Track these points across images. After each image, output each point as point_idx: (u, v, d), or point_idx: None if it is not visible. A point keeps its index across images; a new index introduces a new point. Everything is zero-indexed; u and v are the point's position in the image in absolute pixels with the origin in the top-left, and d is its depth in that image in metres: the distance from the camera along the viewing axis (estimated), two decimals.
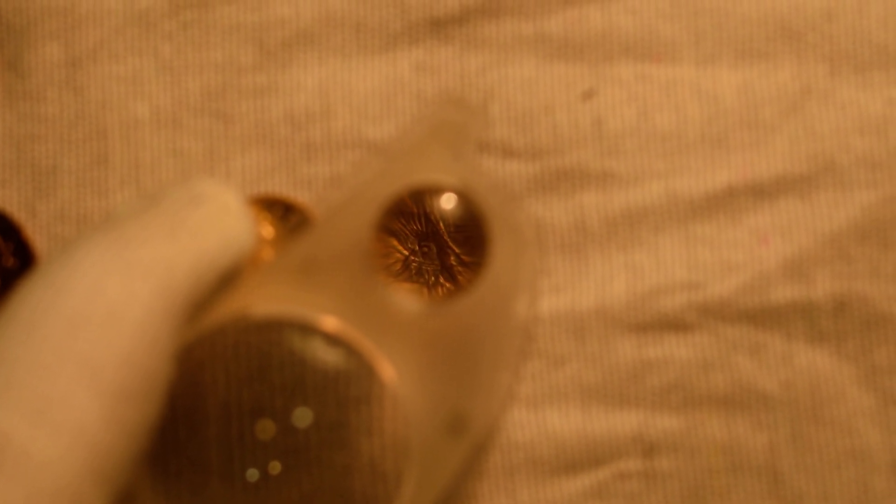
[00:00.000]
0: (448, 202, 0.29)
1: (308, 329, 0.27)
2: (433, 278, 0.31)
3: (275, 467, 0.28)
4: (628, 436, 0.31)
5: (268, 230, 0.31)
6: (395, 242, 0.31)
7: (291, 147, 0.32)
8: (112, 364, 0.23)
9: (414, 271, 0.31)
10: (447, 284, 0.31)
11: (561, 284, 0.31)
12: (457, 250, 0.31)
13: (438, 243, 0.31)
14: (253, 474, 0.27)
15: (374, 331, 0.27)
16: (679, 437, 0.31)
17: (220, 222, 0.26)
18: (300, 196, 0.32)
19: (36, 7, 0.32)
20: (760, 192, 0.31)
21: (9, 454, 0.22)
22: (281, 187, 0.32)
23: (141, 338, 0.23)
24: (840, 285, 0.31)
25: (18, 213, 0.32)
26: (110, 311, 0.23)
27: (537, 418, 0.31)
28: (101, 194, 0.32)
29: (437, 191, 0.29)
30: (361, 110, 0.32)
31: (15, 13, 0.32)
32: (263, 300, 0.27)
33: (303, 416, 0.27)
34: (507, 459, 0.31)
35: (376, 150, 0.32)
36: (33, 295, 0.23)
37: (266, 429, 0.27)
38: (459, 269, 0.31)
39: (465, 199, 0.29)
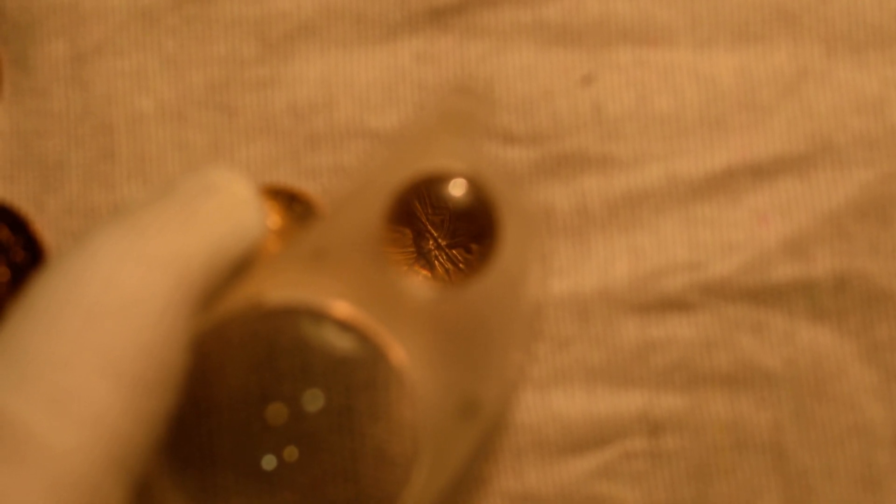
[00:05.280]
0: (457, 188, 0.30)
1: (320, 315, 0.27)
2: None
3: (291, 454, 0.28)
4: (633, 415, 0.31)
5: (273, 220, 0.31)
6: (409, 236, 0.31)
7: (295, 138, 0.32)
8: (130, 355, 0.23)
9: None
10: (424, 272, 0.31)
11: (564, 267, 0.32)
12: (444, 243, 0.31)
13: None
14: (270, 461, 0.28)
15: (386, 316, 0.27)
16: (684, 415, 0.31)
17: (232, 211, 0.26)
18: (305, 186, 0.32)
19: (41, 4, 0.32)
20: (759, 173, 0.32)
21: (30, 445, 0.22)
22: (285, 177, 0.32)
23: (157, 328, 0.23)
24: (840, 263, 0.31)
25: (27, 208, 0.32)
26: (127, 303, 0.23)
27: (543, 400, 0.31)
28: (108, 188, 0.32)
29: (447, 177, 0.29)
30: (363, 100, 0.32)
31: (20, 11, 0.32)
32: (276, 287, 0.27)
33: (314, 399, 0.28)
34: (514, 441, 0.31)
35: (386, 139, 0.32)
36: (50, 286, 0.23)
37: (278, 413, 0.28)
38: (440, 256, 0.31)
39: (473, 185, 0.29)
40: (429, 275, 0.31)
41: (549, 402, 0.31)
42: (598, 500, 0.31)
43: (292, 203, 0.32)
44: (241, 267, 0.26)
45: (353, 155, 0.32)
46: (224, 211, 0.26)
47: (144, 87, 0.32)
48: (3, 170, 0.32)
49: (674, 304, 0.31)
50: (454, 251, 0.31)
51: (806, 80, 0.32)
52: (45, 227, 0.32)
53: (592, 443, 0.31)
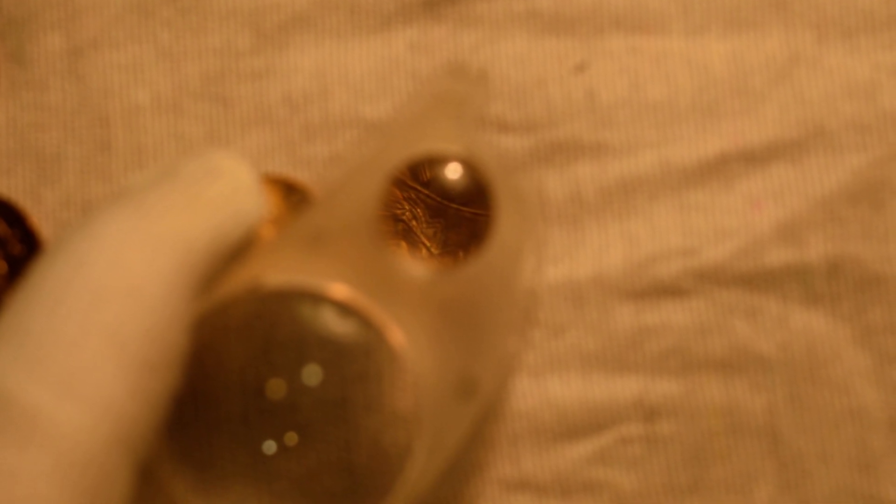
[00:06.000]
0: (453, 172, 0.30)
1: (318, 297, 0.28)
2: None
3: (291, 438, 0.28)
4: (629, 401, 0.31)
5: (270, 210, 0.31)
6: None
7: (290, 128, 0.32)
8: (136, 337, 0.23)
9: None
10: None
11: (558, 255, 0.32)
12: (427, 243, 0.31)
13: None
14: (270, 446, 0.28)
15: (383, 297, 0.27)
16: (679, 401, 0.31)
17: (234, 196, 0.26)
18: (300, 175, 0.32)
19: None
20: (752, 159, 0.32)
21: (39, 427, 0.22)
22: (281, 167, 0.32)
23: (162, 311, 0.24)
24: (833, 247, 0.32)
25: (24, 201, 0.32)
26: (133, 284, 0.23)
27: (539, 386, 0.31)
28: (105, 180, 0.32)
29: (442, 160, 0.29)
30: (358, 90, 0.32)
31: (16, 5, 0.32)
32: (274, 271, 0.27)
33: (312, 374, 0.28)
34: (510, 428, 0.31)
35: (381, 123, 0.32)
36: (55, 267, 0.24)
37: (277, 388, 0.28)
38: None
39: (468, 167, 0.29)
40: (425, 255, 0.31)
41: (545, 388, 0.31)
42: (595, 486, 0.31)
43: (289, 193, 0.32)
44: (238, 251, 0.26)
45: (348, 145, 0.32)
46: (227, 196, 0.26)
47: (140, 80, 0.32)
48: (0, 163, 0.32)
49: (668, 290, 0.32)
50: (442, 235, 0.31)
51: (798, 66, 0.32)
52: (43, 220, 0.32)
53: (588, 429, 0.31)
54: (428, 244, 0.31)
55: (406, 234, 0.31)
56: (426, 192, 0.31)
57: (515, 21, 0.32)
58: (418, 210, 0.31)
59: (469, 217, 0.31)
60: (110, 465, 0.23)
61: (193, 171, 0.26)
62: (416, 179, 0.31)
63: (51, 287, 0.23)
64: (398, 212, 0.31)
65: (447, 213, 0.31)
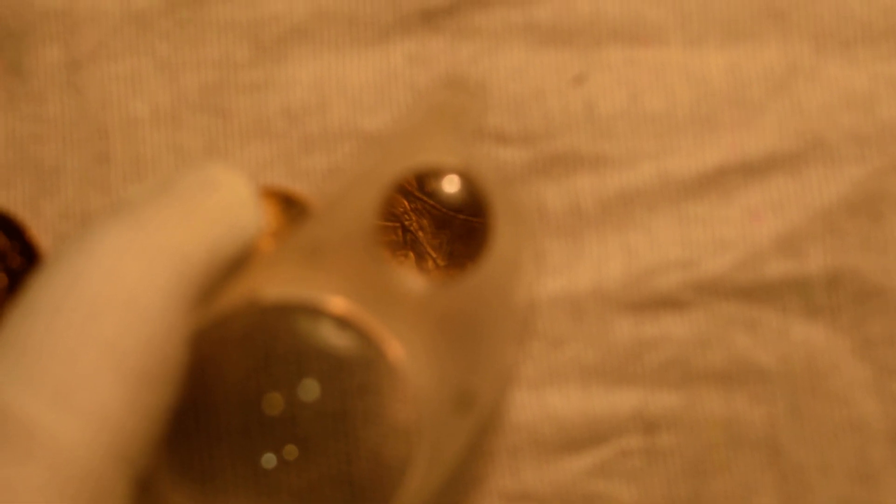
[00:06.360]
0: (450, 184, 0.30)
1: (317, 312, 0.28)
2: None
3: (291, 452, 0.28)
4: (629, 414, 0.31)
5: (269, 222, 0.31)
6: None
7: (289, 140, 0.32)
8: (133, 349, 0.23)
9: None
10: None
11: (557, 267, 0.32)
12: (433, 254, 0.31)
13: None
14: (269, 460, 0.28)
15: (382, 310, 0.27)
16: (679, 413, 0.31)
17: (231, 208, 0.26)
18: (299, 188, 0.32)
19: (35, 11, 0.32)
20: (751, 170, 0.32)
21: (37, 440, 0.22)
22: (280, 180, 0.32)
23: (160, 323, 0.23)
24: (832, 259, 0.32)
25: (23, 213, 0.32)
26: (130, 297, 0.23)
27: (539, 399, 0.31)
28: (103, 192, 0.32)
29: (440, 173, 0.29)
30: (356, 102, 0.32)
31: (14, 17, 0.32)
32: (272, 284, 0.27)
33: (309, 389, 0.28)
34: (510, 440, 0.31)
35: (379, 135, 0.32)
36: (52, 280, 0.24)
37: (274, 403, 0.28)
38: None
39: (466, 180, 0.29)
40: (423, 268, 0.31)
41: (545, 401, 0.31)
42: (595, 499, 0.31)
43: (288, 205, 0.32)
44: (236, 264, 0.26)
45: (347, 157, 0.32)
46: (223, 208, 0.26)
47: (139, 91, 0.32)
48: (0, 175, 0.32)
49: (667, 303, 0.32)
50: (448, 246, 0.31)
51: (796, 77, 0.32)
52: (42, 232, 0.32)
53: (588, 441, 0.31)
54: (434, 255, 0.31)
55: (413, 245, 0.31)
56: (431, 202, 0.31)
57: (513, 33, 0.32)
58: (424, 221, 0.31)
59: (476, 227, 0.31)
60: (108, 478, 0.23)
61: (191, 184, 0.26)
62: (423, 190, 0.31)
63: (48, 299, 0.23)
64: (406, 222, 0.31)
65: (453, 223, 0.31)
